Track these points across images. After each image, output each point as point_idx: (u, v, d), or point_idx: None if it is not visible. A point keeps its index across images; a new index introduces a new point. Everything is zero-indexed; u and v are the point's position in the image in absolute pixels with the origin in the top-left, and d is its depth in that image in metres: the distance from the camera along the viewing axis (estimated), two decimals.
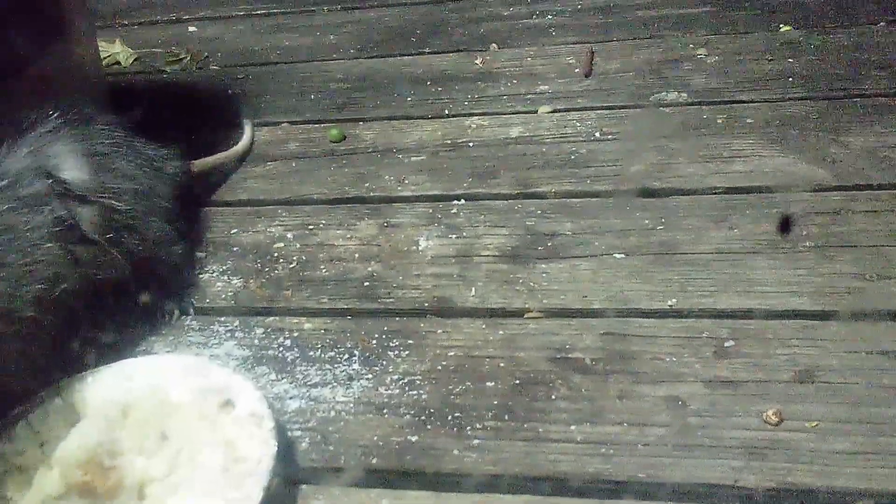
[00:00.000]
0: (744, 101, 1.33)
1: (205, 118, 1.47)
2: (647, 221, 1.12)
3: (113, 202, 0.98)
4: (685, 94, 1.37)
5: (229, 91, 1.54)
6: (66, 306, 0.91)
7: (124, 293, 1.04)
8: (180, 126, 1.39)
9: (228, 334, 1.03)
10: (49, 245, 0.90)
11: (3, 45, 1.07)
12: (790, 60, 1.42)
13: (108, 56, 1.64)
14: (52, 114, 0.98)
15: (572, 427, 0.87)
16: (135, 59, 1.67)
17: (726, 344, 0.93)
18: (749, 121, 1.29)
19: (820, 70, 1.39)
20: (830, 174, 1.16)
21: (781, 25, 1.52)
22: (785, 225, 1.07)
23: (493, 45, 1.57)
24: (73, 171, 0.95)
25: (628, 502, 0.80)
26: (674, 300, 1.00)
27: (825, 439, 0.81)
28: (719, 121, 1.30)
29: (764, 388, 0.88)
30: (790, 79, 1.38)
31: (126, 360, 0.94)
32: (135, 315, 1.05)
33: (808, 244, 1.05)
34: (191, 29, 1.78)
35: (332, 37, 1.68)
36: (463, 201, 1.20)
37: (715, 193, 1.16)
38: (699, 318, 0.97)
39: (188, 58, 1.64)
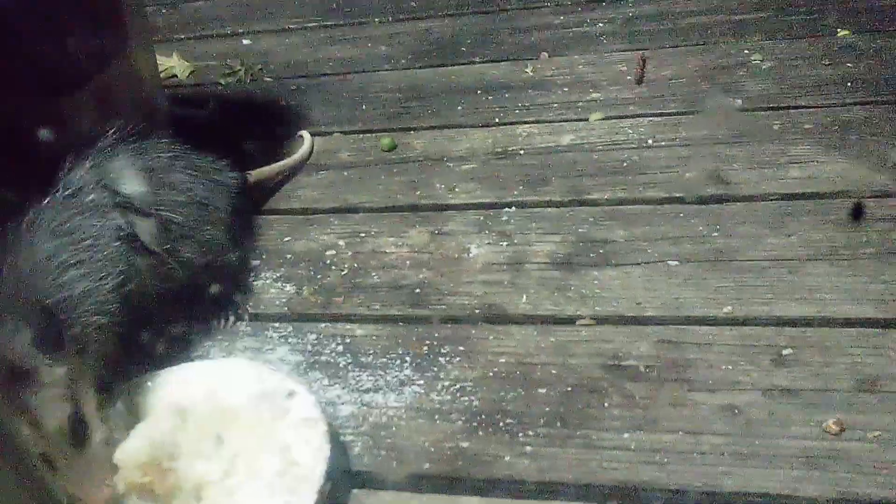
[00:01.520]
0: (800, 107, 1.31)
1: (259, 129, 1.49)
2: (701, 228, 1.10)
3: (170, 215, 1.01)
4: (739, 101, 1.35)
5: (283, 102, 1.56)
6: (130, 309, 0.94)
7: (181, 299, 1.06)
8: (236, 137, 1.42)
9: (282, 340, 1.04)
10: (116, 245, 0.92)
11: (66, 59, 1.10)
12: (848, 65, 1.39)
13: (166, 69, 1.68)
14: (112, 129, 1.01)
15: (626, 435, 0.86)
16: (191, 73, 1.71)
17: (784, 352, 0.91)
18: (806, 126, 1.26)
19: (879, 74, 1.36)
20: (891, 179, 1.13)
21: (839, 29, 1.49)
22: (857, 211, 1.04)
23: (544, 53, 1.57)
24: (132, 185, 0.98)
25: None
26: (729, 307, 0.98)
27: (888, 449, 0.79)
28: (775, 126, 1.27)
29: (824, 397, 0.86)
30: (848, 83, 1.35)
31: (183, 364, 0.97)
32: (191, 321, 1.07)
33: (869, 251, 1.03)
34: (245, 42, 1.81)
35: (383, 48, 1.70)
36: (514, 209, 1.20)
37: (771, 200, 1.14)
38: (756, 325, 0.96)
39: (243, 70, 1.67)
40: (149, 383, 0.93)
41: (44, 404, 0.77)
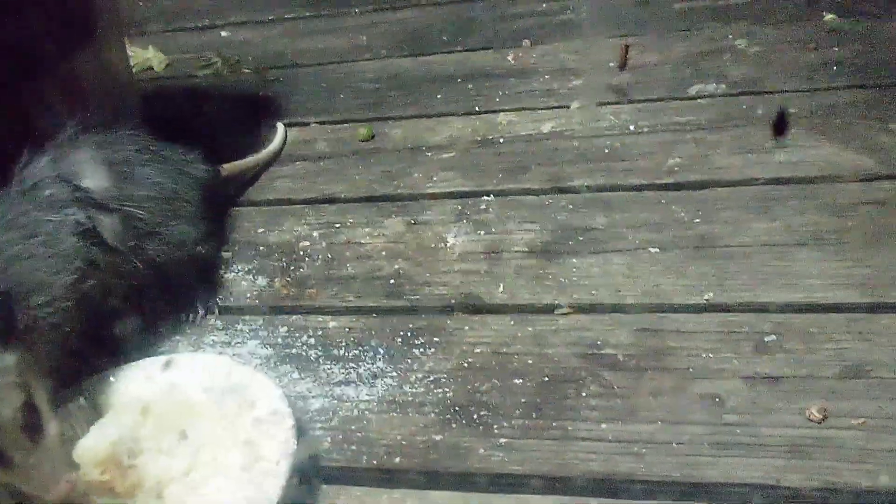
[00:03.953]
0: (786, 91, 1.28)
1: (236, 121, 1.46)
2: (683, 214, 1.08)
3: (135, 210, 0.97)
4: (724, 86, 1.32)
5: (260, 94, 1.53)
6: (88, 305, 0.90)
7: (148, 294, 1.03)
8: (212, 129, 1.39)
9: (252, 333, 1.02)
10: (72, 240, 0.89)
11: (31, 46, 1.07)
12: (835, 49, 1.37)
13: (142, 62, 1.65)
14: (74, 121, 0.98)
15: (604, 425, 0.83)
16: (167, 65, 1.67)
17: (767, 339, 0.89)
18: (791, 111, 1.23)
19: (867, 58, 1.33)
20: (878, 163, 1.10)
21: (825, 14, 1.46)
22: (780, 123, 1.00)
23: (526, 41, 1.54)
24: (93, 179, 0.94)
25: (663, 503, 0.76)
26: (711, 294, 0.95)
27: (873, 437, 0.77)
28: (760, 111, 1.25)
29: (808, 384, 0.83)
30: (835, 67, 1.32)
31: (147, 359, 0.93)
32: (158, 315, 1.04)
33: (855, 235, 1.00)
34: (223, 34, 1.78)
35: (363, 37, 1.67)
36: (492, 197, 1.17)
37: (755, 185, 1.11)
38: (738, 312, 0.93)
39: (220, 62, 1.64)
40: (112, 378, 0.90)
41: None
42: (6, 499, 0.76)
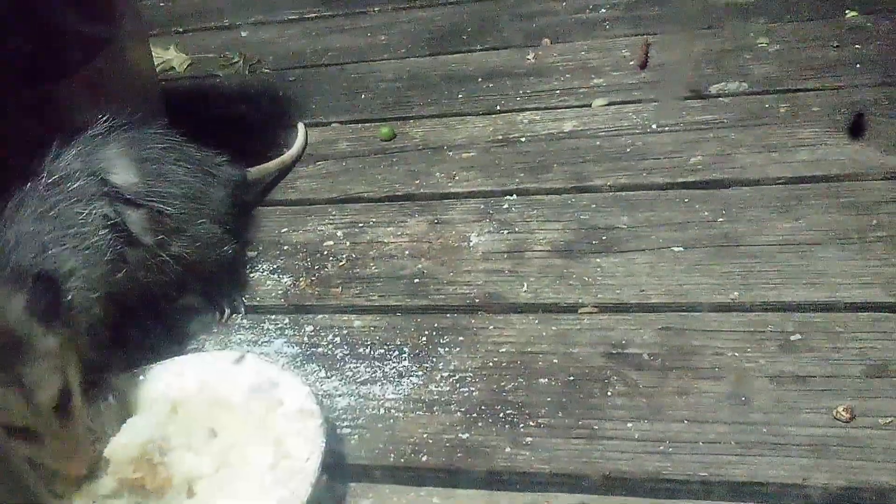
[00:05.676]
0: (808, 89, 1.28)
1: (257, 120, 1.47)
2: (706, 213, 1.08)
3: (162, 206, 0.98)
4: (746, 84, 1.32)
5: (281, 93, 1.54)
6: (118, 298, 0.92)
7: (175, 292, 1.04)
8: (233, 128, 1.40)
9: (278, 332, 1.02)
10: (102, 233, 0.90)
11: (55, 48, 1.08)
12: (857, 46, 1.36)
13: (164, 62, 1.66)
14: (102, 118, 0.99)
15: (629, 424, 0.83)
16: (189, 65, 1.69)
17: (792, 338, 0.89)
18: (814, 109, 1.23)
19: (889, 55, 1.32)
20: None
21: (847, 11, 1.45)
22: (857, 125, 1.00)
23: (546, 40, 1.54)
24: (122, 174, 0.96)
25: (688, 502, 0.76)
26: (736, 293, 0.95)
27: None
28: (782, 110, 1.24)
29: (834, 383, 0.83)
30: (858, 65, 1.31)
31: (177, 357, 0.94)
32: (186, 313, 1.05)
33: (879, 234, 1.00)
34: (244, 34, 1.79)
35: (382, 37, 1.67)
36: (515, 196, 1.17)
37: (779, 183, 1.11)
38: (763, 311, 0.93)
39: (241, 61, 1.65)
40: (142, 377, 0.92)
41: (37, 376, 0.75)
42: (27, 469, 0.77)
